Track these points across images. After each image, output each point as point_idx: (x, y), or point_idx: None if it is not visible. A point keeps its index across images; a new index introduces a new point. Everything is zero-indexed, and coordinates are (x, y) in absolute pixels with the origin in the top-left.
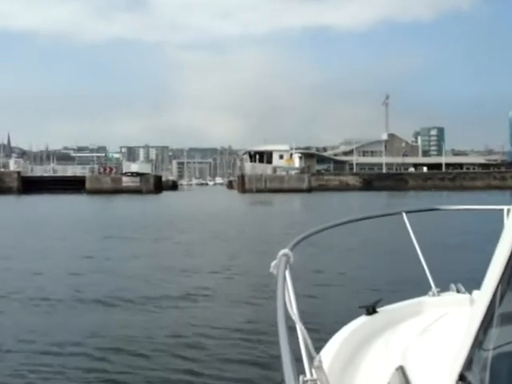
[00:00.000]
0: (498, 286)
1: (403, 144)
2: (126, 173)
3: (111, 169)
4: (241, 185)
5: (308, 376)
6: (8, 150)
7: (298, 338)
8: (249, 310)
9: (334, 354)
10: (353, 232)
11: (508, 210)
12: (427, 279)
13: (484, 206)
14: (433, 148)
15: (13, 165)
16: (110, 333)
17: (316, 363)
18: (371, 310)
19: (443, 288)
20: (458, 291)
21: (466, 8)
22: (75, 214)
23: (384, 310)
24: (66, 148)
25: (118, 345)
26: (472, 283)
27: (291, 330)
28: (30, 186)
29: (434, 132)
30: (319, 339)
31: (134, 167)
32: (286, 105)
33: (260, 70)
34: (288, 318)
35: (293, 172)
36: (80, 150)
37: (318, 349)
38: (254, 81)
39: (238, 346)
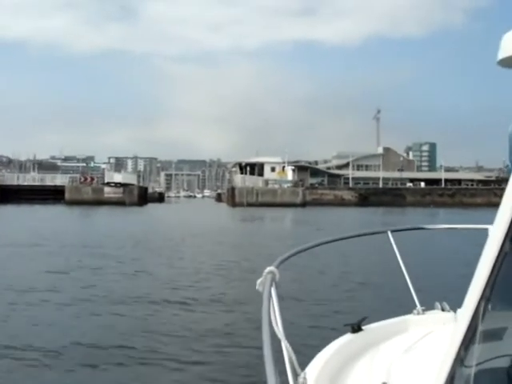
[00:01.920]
0: (479, 304)
1: (400, 158)
2: (108, 183)
3: (92, 178)
4: (231, 198)
5: None
6: None
7: (283, 355)
8: (233, 326)
9: (318, 370)
10: (338, 250)
11: None
12: (412, 297)
13: (469, 226)
14: (424, 164)
15: None
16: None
17: (301, 380)
18: (356, 328)
19: (428, 306)
20: (443, 309)
21: (457, 24)
22: (35, 230)
23: (369, 328)
24: (53, 157)
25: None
26: (457, 302)
27: (276, 346)
28: (7, 195)
29: (425, 147)
30: (304, 356)
31: (118, 177)
32: (276, 118)
33: (251, 83)
34: (273, 335)
35: (286, 185)
36: (67, 159)
37: (303, 366)
38: (245, 94)
39: (223, 364)
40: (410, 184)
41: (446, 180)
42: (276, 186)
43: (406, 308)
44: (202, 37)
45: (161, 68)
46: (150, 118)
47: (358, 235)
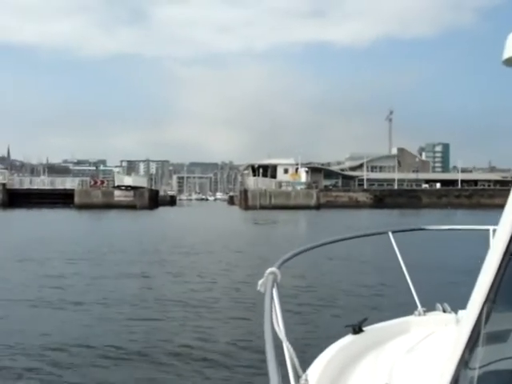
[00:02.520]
0: (483, 306)
1: (416, 159)
2: (118, 186)
3: (102, 182)
4: (243, 201)
5: None
6: (8, 162)
7: (284, 356)
8: (237, 329)
9: (320, 372)
10: (340, 251)
11: (494, 230)
12: (413, 299)
13: (470, 226)
14: (437, 164)
15: None
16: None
17: (302, 381)
18: (357, 329)
19: (429, 307)
20: (444, 311)
21: (467, 24)
22: (39, 236)
23: (370, 329)
24: (65, 161)
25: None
26: (458, 303)
27: (278, 348)
28: (16, 199)
29: (439, 148)
30: (306, 358)
31: (128, 180)
32: (287, 120)
33: (261, 85)
34: (275, 336)
35: (299, 187)
36: (79, 163)
37: (305, 367)
38: (255, 96)
39: (225, 365)
40: (425, 185)
41: (462, 181)
42: (289, 189)
43: (407, 309)
44: (211, 39)
45: (171, 71)
46: (161, 120)
47: (360, 236)
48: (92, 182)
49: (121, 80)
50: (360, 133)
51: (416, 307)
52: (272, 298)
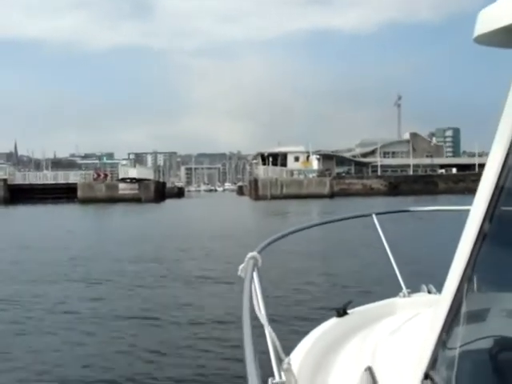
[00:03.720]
0: (460, 285)
1: (430, 144)
2: (123, 179)
3: (106, 175)
4: (254, 190)
5: (277, 379)
6: (15, 157)
7: (266, 341)
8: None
9: (303, 356)
10: (324, 234)
11: None
12: (398, 280)
13: (453, 207)
14: (448, 149)
15: None
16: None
17: (285, 365)
18: (342, 312)
19: (414, 289)
20: (429, 292)
21: (472, 8)
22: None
23: (355, 312)
24: (72, 155)
25: None
26: (443, 283)
27: (260, 333)
28: (18, 194)
29: (449, 133)
30: (290, 342)
31: (132, 172)
32: (294, 109)
33: (267, 75)
34: (257, 320)
35: (311, 175)
36: (87, 157)
37: (289, 351)
38: (262, 85)
39: (208, 351)
40: (441, 170)
41: (480, 165)
42: (301, 177)
43: (392, 291)
44: (217, 29)
45: (178, 62)
46: (169, 112)
47: (344, 219)
48: (95, 176)
49: (127, 73)
50: (368, 120)
51: (401, 289)
52: (252, 282)
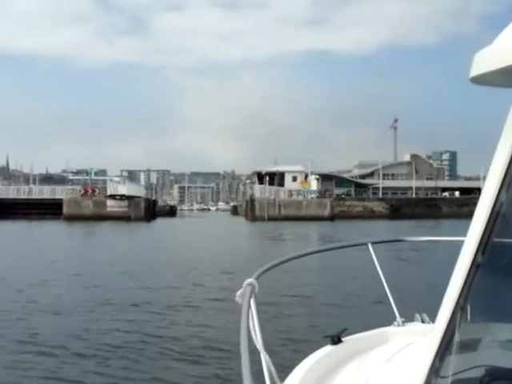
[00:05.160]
0: (453, 315)
1: (431, 166)
2: (111, 195)
3: (94, 190)
4: (250, 211)
5: None
6: (7, 172)
7: (262, 367)
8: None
9: (298, 382)
10: (319, 262)
11: None
12: (392, 309)
13: (448, 238)
14: (445, 173)
15: None
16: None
17: None
18: (336, 340)
19: (408, 318)
20: (423, 321)
21: (469, 32)
22: None
23: (349, 340)
24: (64, 171)
25: None
26: (436, 313)
27: (255, 358)
28: (1, 209)
29: (446, 156)
30: (284, 368)
31: (122, 189)
32: (289, 129)
33: (263, 94)
34: (253, 346)
35: (310, 196)
36: (79, 173)
37: (283, 378)
38: (257, 104)
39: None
40: (445, 194)
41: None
42: (300, 198)
43: (387, 320)
44: (213, 48)
45: (173, 80)
46: (163, 129)
47: (340, 247)
48: (82, 191)
49: (122, 89)
50: (363, 141)
51: (395, 318)
52: (249, 308)
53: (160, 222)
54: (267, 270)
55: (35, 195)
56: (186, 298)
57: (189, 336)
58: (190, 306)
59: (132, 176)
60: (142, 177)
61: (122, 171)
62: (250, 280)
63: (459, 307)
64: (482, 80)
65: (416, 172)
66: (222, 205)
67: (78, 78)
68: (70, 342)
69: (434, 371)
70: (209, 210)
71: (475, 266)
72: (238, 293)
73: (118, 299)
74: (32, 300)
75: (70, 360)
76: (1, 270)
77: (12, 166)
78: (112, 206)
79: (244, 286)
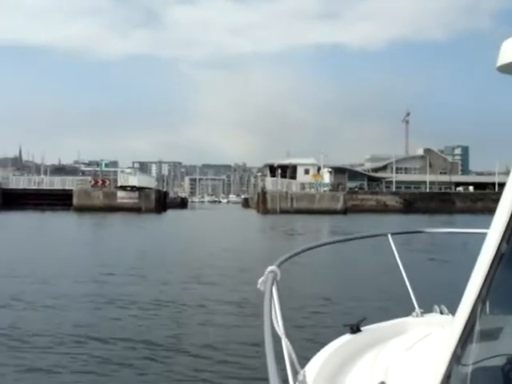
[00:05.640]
0: (475, 304)
1: (445, 160)
2: (122, 186)
3: (104, 181)
4: (261, 203)
5: None
6: (19, 162)
7: (283, 353)
8: (236, 328)
9: (317, 369)
10: (339, 252)
11: None
12: (411, 300)
13: (468, 230)
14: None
15: None
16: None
17: (300, 377)
18: (355, 329)
19: (427, 309)
20: (442, 312)
21: (482, 28)
22: None
23: (368, 329)
24: (76, 162)
25: None
26: (455, 305)
27: (277, 344)
28: (11, 200)
29: (458, 151)
30: (304, 355)
31: (133, 180)
32: (299, 122)
33: (274, 87)
34: (274, 333)
35: (322, 189)
36: (91, 164)
37: (303, 364)
38: (268, 98)
39: (225, 362)
40: (459, 188)
41: (501, 184)
42: (313, 191)
43: (405, 310)
44: (225, 41)
45: (185, 73)
46: (175, 122)
47: (360, 237)
48: (93, 182)
49: (134, 82)
50: (375, 135)
51: (414, 309)
52: (271, 296)
53: (171, 214)
54: (289, 257)
55: (45, 186)
56: (198, 293)
57: (207, 328)
58: (204, 301)
59: (143, 168)
60: (154, 169)
61: (133, 163)
62: (272, 267)
63: (481, 297)
64: (510, 69)
65: (430, 166)
66: (232, 197)
67: (91, 70)
68: (77, 340)
69: (456, 359)
70: (220, 202)
71: (499, 257)
72: (260, 280)
73: (129, 295)
74: (37, 294)
75: (80, 357)
76: (6, 262)
77: (25, 157)
78: (122, 197)
79: (266, 273)
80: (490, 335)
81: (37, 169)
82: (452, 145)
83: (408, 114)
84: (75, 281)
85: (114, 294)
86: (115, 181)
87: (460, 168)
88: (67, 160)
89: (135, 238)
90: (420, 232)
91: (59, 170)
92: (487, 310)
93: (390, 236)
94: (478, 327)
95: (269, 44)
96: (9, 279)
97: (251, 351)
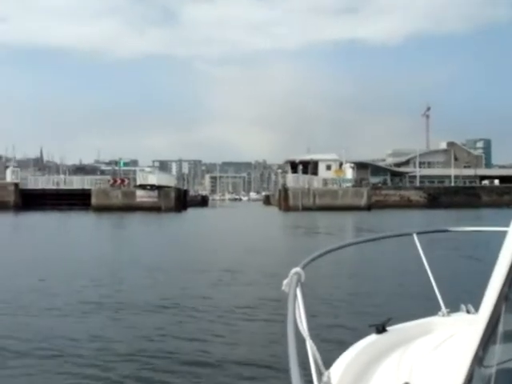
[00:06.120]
0: (497, 304)
1: (469, 154)
2: (141, 185)
3: (123, 180)
4: (283, 201)
5: None
6: (41, 163)
7: (307, 354)
8: (262, 328)
9: (342, 370)
10: (364, 251)
11: None
12: (437, 300)
13: (493, 228)
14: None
15: (10, 175)
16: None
17: (325, 379)
18: (381, 329)
19: (453, 309)
20: (468, 312)
21: (502, 20)
22: None
23: (394, 329)
24: (97, 161)
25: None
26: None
27: (301, 346)
28: (30, 200)
29: (480, 144)
30: (329, 356)
31: (152, 179)
32: (318, 118)
33: (292, 84)
34: (299, 334)
35: (345, 185)
36: (111, 163)
37: (328, 365)
38: (286, 94)
39: (250, 361)
40: (485, 182)
41: None
42: (335, 187)
43: (431, 310)
44: (242, 39)
45: (202, 71)
46: (194, 120)
47: (385, 237)
48: (112, 181)
49: (152, 80)
50: (395, 130)
51: (440, 308)
52: (296, 297)
53: (191, 213)
54: (314, 259)
55: (64, 186)
56: (220, 297)
57: (231, 328)
58: (227, 304)
59: (164, 166)
60: (174, 167)
61: (153, 162)
62: (297, 269)
63: (503, 297)
64: None
65: (456, 159)
66: (253, 194)
67: (109, 69)
68: (96, 345)
69: (478, 361)
70: (240, 199)
71: None
72: (285, 282)
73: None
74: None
75: (96, 364)
76: (17, 263)
77: (46, 158)
78: (142, 196)
79: (290, 275)
80: None
81: (57, 169)
82: (474, 138)
83: (428, 109)
84: (91, 284)
85: (130, 299)
86: (135, 180)
87: (483, 162)
88: (88, 160)
89: (154, 239)
90: (446, 231)
91: (80, 169)
92: (510, 309)
93: (415, 235)
94: (501, 328)
95: (287, 40)
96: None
97: (277, 353)
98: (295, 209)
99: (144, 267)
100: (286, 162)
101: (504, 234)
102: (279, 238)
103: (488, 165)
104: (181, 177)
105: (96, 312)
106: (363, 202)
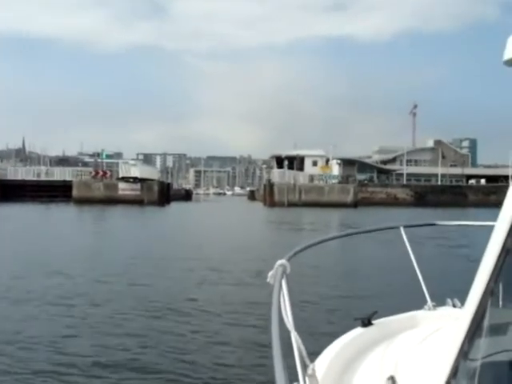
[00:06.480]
0: (482, 299)
1: (456, 153)
2: (123, 178)
3: (105, 172)
4: (268, 196)
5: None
6: (23, 153)
7: (292, 347)
8: (246, 322)
9: (327, 363)
10: (351, 245)
11: None
12: (423, 293)
13: (480, 222)
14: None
15: None
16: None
17: (309, 371)
18: (367, 322)
19: (439, 302)
20: (454, 306)
21: (490, 18)
22: None
23: (379, 323)
24: (81, 154)
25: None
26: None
27: (286, 338)
28: (9, 191)
29: (465, 144)
30: (314, 349)
31: (135, 171)
32: (306, 115)
33: (280, 80)
34: (284, 327)
35: (331, 181)
36: (94, 156)
37: (313, 358)
38: (275, 90)
39: (234, 353)
40: (471, 181)
41: None
42: (321, 183)
43: (417, 303)
44: (232, 33)
45: (190, 64)
46: (180, 114)
47: (371, 230)
48: (93, 173)
49: (140, 73)
50: (382, 128)
51: (426, 302)
52: (280, 289)
53: (174, 207)
54: (299, 251)
55: (45, 177)
56: (206, 293)
57: (217, 320)
58: (211, 298)
59: (148, 159)
60: (158, 160)
61: (137, 154)
62: (282, 261)
63: (489, 291)
64: None
65: (443, 157)
66: (238, 189)
67: (96, 61)
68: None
69: (463, 354)
70: (225, 194)
71: (505, 250)
72: (270, 273)
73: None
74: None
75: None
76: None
77: (28, 148)
78: (124, 188)
79: (276, 266)
80: (498, 330)
81: (40, 160)
82: (460, 137)
83: (415, 107)
84: (65, 280)
85: (111, 293)
86: (117, 172)
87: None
88: (72, 152)
89: (136, 234)
90: (432, 225)
91: (63, 161)
92: (495, 304)
93: (402, 229)
94: (486, 322)
95: (276, 36)
96: None
97: (262, 346)
98: (280, 204)
99: (123, 262)
100: (272, 156)
101: (490, 228)
102: (265, 233)
103: (474, 164)
104: (164, 170)
105: (67, 310)
106: (349, 198)
